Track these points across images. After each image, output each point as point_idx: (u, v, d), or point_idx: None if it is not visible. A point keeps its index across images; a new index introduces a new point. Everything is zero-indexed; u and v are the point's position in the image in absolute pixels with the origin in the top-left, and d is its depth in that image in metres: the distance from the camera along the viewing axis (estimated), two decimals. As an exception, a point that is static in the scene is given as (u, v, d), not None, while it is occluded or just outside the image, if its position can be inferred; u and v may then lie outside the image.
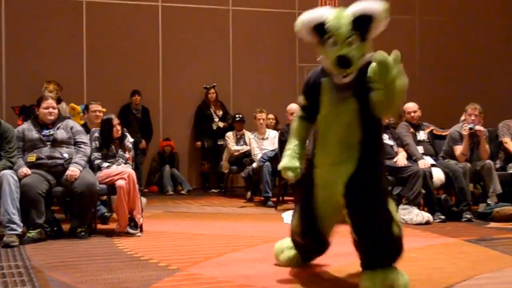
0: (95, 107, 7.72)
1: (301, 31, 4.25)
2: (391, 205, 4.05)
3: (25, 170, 6.17)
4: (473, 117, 7.87)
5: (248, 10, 12.04)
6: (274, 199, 9.02)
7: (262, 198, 9.12)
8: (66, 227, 6.61)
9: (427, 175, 7.43)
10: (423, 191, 7.46)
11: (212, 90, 11.29)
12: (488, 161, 7.78)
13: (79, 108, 8.83)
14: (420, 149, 7.90)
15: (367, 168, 4.04)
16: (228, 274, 4.69)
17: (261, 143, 9.67)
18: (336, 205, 4.14)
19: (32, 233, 6.03)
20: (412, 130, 8.06)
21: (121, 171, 6.56)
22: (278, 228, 6.89)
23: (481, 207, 7.64)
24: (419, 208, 7.35)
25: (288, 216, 7.43)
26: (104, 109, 7.78)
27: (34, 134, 6.47)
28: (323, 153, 4.25)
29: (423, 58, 13.00)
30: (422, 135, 8.12)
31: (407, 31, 12.74)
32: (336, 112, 4.11)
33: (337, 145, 4.12)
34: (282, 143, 8.61)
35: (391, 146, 7.74)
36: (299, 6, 12.26)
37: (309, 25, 4.14)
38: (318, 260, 4.84)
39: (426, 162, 7.62)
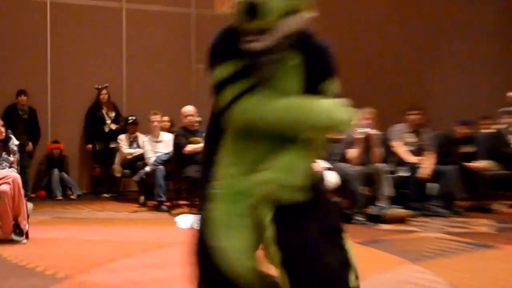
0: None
1: None
2: None
3: None
4: (367, 121, 8.13)
5: (142, 8, 11.96)
6: (168, 203, 9.00)
7: (156, 203, 9.09)
8: None
9: (320, 178, 7.64)
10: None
11: (104, 91, 11.14)
12: (380, 164, 8.08)
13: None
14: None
15: None
16: (119, 281, 4.66)
17: (155, 146, 9.62)
18: None
19: None
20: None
21: (5, 175, 6.37)
22: (172, 233, 6.93)
23: (373, 210, 7.91)
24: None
25: (181, 221, 7.47)
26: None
27: None
28: None
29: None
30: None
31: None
32: None
33: None
34: (177, 146, 8.65)
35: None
36: (196, 5, 12.30)
37: None
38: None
39: (318, 165, 7.82)
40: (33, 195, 10.46)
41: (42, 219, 7.93)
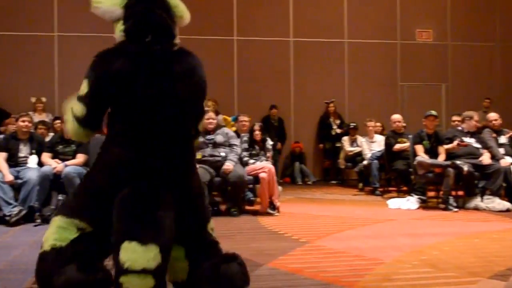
0: (242, 118, 7.85)
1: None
2: None
3: (193, 165, 6.43)
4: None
5: (360, 42, 11.87)
6: (381, 189, 8.83)
7: (371, 188, 8.96)
8: (222, 207, 6.83)
9: (507, 172, 7.04)
10: (504, 185, 7.07)
11: (331, 104, 11.25)
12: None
13: (229, 119, 9.10)
14: (502, 150, 7.48)
15: None
16: (345, 246, 4.67)
17: (370, 145, 9.49)
18: None
19: (199, 211, 6.26)
20: (494, 135, 7.66)
21: (264, 166, 6.68)
22: (384, 212, 6.79)
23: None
24: (500, 198, 6.98)
25: (392, 203, 7.30)
26: (249, 118, 7.87)
27: (199, 138, 6.71)
28: None
29: None
30: (503, 139, 7.68)
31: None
32: None
33: None
34: (388, 145, 8.48)
35: (478, 148, 7.38)
36: (400, 37, 11.98)
37: None
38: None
39: (506, 161, 7.22)
40: (281, 180, 10.79)
41: (288, 198, 8.15)
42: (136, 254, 2.20)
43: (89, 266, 2.32)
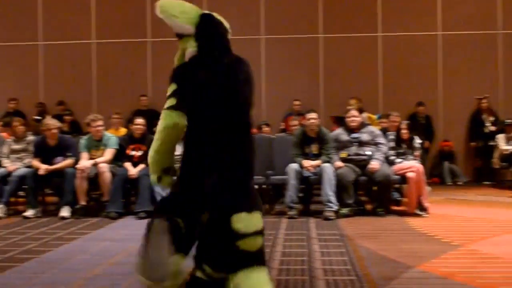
0: (393, 117, 7.53)
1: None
2: None
3: (338, 163, 6.42)
4: None
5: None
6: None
7: (532, 190, 8.30)
8: (368, 207, 6.75)
9: None
10: None
11: (484, 100, 10.59)
12: None
13: (374, 117, 8.95)
14: None
15: None
16: (502, 251, 4.39)
17: (529, 144, 8.80)
18: None
19: (344, 210, 6.27)
20: None
21: (411, 166, 6.49)
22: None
23: None
24: None
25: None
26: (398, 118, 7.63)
27: (345, 137, 6.69)
28: None
29: None
30: None
31: None
32: None
33: None
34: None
35: None
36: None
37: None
38: None
39: None
40: (429, 181, 10.38)
41: (436, 199, 7.83)
42: (247, 221, 2.71)
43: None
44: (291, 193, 6.32)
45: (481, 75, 11.10)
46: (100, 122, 6.87)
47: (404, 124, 6.99)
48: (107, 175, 6.59)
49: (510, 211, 6.80)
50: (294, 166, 6.42)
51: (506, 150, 9.37)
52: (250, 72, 2.94)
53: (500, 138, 9.59)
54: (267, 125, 9.36)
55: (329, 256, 4.27)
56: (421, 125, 10.59)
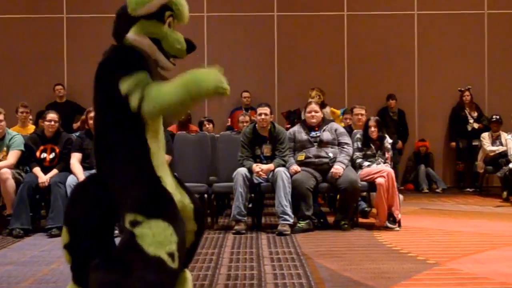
0: (358, 110, 7.80)
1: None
2: None
3: (295, 167, 6.48)
4: None
5: (504, 12, 11.42)
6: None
7: (519, 198, 8.62)
8: (330, 219, 6.83)
9: None
10: None
11: (466, 93, 10.90)
12: None
13: (338, 112, 9.08)
14: None
15: None
16: (487, 271, 4.51)
17: (518, 144, 9.13)
18: None
19: (302, 224, 6.33)
20: None
21: (381, 170, 6.60)
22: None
23: None
24: None
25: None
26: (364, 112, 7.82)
27: (303, 136, 6.76)
28: None
29: None
30: None
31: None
32: None
33: None
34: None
35: None
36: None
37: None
38: None
39: None
40: (402, 188, 10.64)
41: (411, 210, 8.01)
42: None
43: None
44: (238, 204, 6.34)
45: (464, 63, 11.44)
46: (1, 117, 6.71)
47: (372, 121, 7.09)
48: (10, 183, 6.42)
49: (495, 223, 7.02)
50: (242, 171, 6.44)
51: (492, 151, 9.67)
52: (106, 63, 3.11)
53: (485, 138, 9.89)
54: (210, 121, 9.37)
55: (284, 278, 4.29)
56: (393, 121, 10.82)
